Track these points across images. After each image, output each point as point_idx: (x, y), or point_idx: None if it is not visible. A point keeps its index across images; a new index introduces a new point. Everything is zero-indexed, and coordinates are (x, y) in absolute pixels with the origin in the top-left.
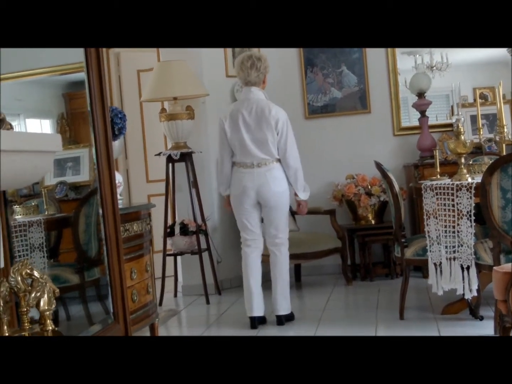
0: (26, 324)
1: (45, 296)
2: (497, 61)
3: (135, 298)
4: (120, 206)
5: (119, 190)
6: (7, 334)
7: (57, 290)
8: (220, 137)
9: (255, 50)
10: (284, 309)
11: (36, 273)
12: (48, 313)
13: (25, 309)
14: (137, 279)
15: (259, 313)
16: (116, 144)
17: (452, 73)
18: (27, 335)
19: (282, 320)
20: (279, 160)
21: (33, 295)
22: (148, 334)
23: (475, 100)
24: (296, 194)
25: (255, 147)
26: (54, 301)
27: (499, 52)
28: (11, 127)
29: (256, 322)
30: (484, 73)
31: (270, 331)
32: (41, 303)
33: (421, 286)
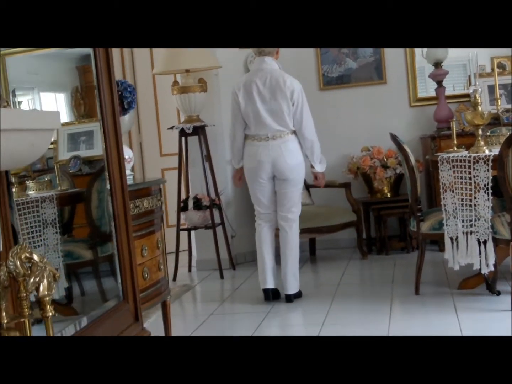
0: (26, 310)
1: (45, 281)
2: None
3: (146, 275)
4: (130, 182)
5: (129, 166)
6: (5, 321)
7: (58, 274)
8: (233, 109)
9: None
10: (293, 288)
11: (35, 257)
12: (47, 298)
13: (24, 295)
14: (148, 256)
15: (272, 285)
16: (126, 119)
17: None
18: (26, 321)
19: (292, 298)
20: (294, 132)
21: (32, 280)
22: (160, 311)
23: (492, 69)
24: (312, 166)
25: (270, 118)
26: (54, 285)
27: None
28: (8, 105)
29: (270, 294)
30: None
31: (283, 307)
32: (41, 288)
33: (437, 260)
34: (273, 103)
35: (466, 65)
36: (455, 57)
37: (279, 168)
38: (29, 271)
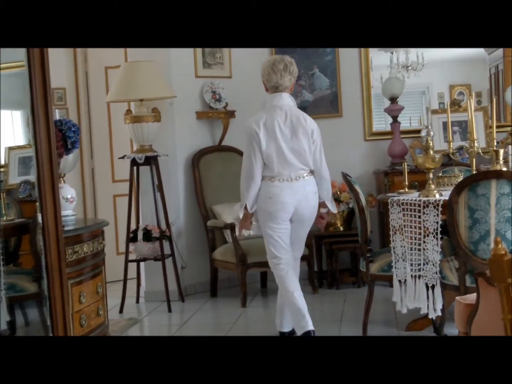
0: None
1: None
2: (473, 57)
3: (84, 322)
4: (72, 224)
5: (71, 206)
6: None
7: None
8: (253, 149)
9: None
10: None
11: None
12: None
13: None
14: (86, 302)
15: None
16: (70, 158)
17: (429, 69)
18: None
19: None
20: (311, 172)
21: None
22: None
23: (448, 106)
24: (323, 206)
25: (294, 157)
26: None
27: (476, 49)
28: None
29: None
30: (460, 68)
31: None
32: None
33: (387, 296)
34: (295, 141)
35: (425, 91)
36: (414, 84)
37: (303, 210)
38: None
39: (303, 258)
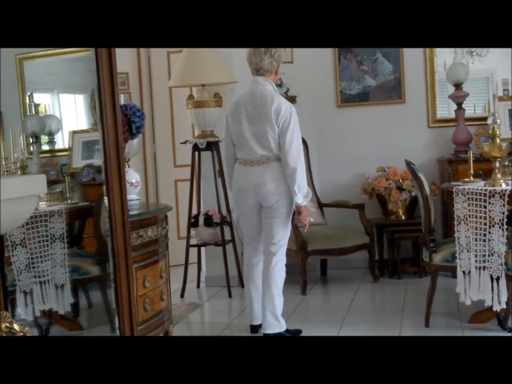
0: None
1: None
2: None
3: (148, 306)
4: (136, 208)
5: (136, 190)
6: None
7: None
8: (225, 131)
9: None
10: (270, 327)
11: (16, 326)
12: None
13: None
14: (150, 286)
15: (258, 321)
16: (135, 143)
17: (493, 54)
18: None
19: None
20: (280, 158)
21: None
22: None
23: None
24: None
25: (255, 141)
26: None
27: None
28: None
29: (258, 329)
30: None
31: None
32: None
33: (450, 287)
34: (258, 125)
35: (489, 78)
36: (478, 69)
37: (261, 195)
38: None
39: (363, 247)
